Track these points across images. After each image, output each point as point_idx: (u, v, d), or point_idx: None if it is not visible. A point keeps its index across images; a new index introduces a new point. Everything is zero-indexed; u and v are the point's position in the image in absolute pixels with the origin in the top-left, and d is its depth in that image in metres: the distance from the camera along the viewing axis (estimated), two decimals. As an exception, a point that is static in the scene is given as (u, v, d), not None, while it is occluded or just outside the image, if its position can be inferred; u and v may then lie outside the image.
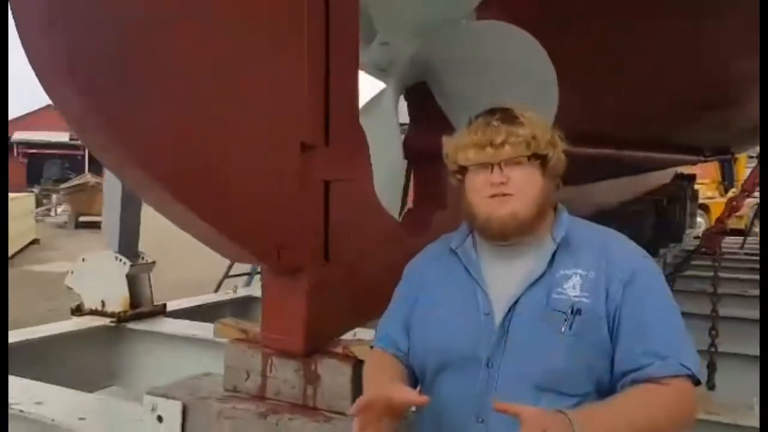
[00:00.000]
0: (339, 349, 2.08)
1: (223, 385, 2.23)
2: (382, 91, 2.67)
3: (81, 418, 2.54)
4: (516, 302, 1.48)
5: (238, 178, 1.73)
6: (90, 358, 4.05)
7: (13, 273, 11.92)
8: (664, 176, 9.40)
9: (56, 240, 16.62)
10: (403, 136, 2.83)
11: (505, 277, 1.52)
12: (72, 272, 4.37)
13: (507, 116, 1.51)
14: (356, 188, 2.20)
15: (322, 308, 2.07)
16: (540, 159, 1.50)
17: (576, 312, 1.43)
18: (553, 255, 1.50)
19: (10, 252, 13.43)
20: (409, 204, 3.01)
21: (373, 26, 2.50)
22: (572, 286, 1.46)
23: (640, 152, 6.05)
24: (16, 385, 2.90)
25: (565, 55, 2.58)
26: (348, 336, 2.22)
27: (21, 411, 2.62)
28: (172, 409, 2.17)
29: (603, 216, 6.03)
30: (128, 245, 4.17)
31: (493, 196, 1.49)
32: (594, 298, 1.44)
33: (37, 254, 14.39)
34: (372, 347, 1.70)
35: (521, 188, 1.48)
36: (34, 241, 15.86)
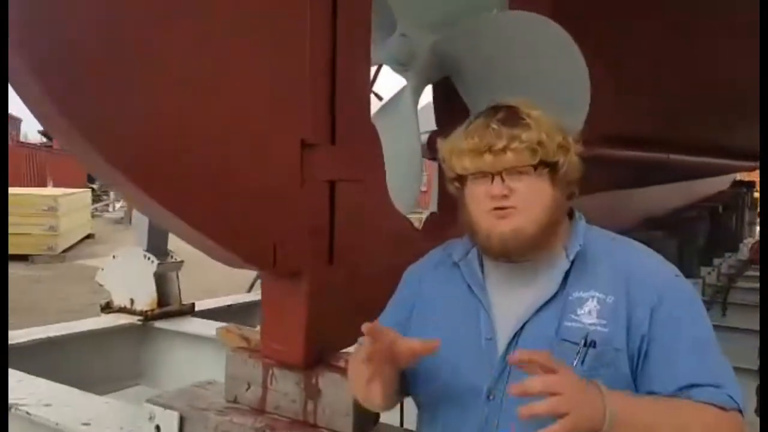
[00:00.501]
0: (342, 363, 1.94)
1: (224, 395, 2.12)
2: (403, 87, 2.52)
3: (85, 424, 2.47)
4: (522, 328, 1.29)
5: (220, 175, 1.60)
6: (117, 356, 4.03)
7: (63, 266, 12.24)
8: (720, 183, 8.95)
9: (111, 235, 17.00)
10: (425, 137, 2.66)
11: (512, 297, 1.34)
12: (102, 269, 4.36)
13: (510, 116, 1.30)
14: (366, 189, 2.05)
15: (324, 315, 1.93)
16: (549, 167, 1.29)
17: (590, 344, 1.23)
18: (567, 273, 1.31)
19: (66, 245, 13.77)
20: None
21: (393, 17, 2.35)
22: (587, 312, 1.26)
23: (693, 157, 5.72)
24: (29, 384, 2.87)
25: (605, 50, 2.38)
26: (353, 347, 2.07)
27: (28, 413, 2.58)
28: (169, 420, 2.07)
29: (653, 223, 5.73)
30: (157, 243, 4.12)
31: (494, 209, 1.29)
32: (613, 326, 1.24)
33: (90, 248, 14.73)
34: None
35: (526, 201, 1.28)
36: (89, 236, 16.24)
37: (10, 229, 12.01)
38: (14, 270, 11.08)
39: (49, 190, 16.21)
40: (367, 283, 2.04)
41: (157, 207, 1.49)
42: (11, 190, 13.17)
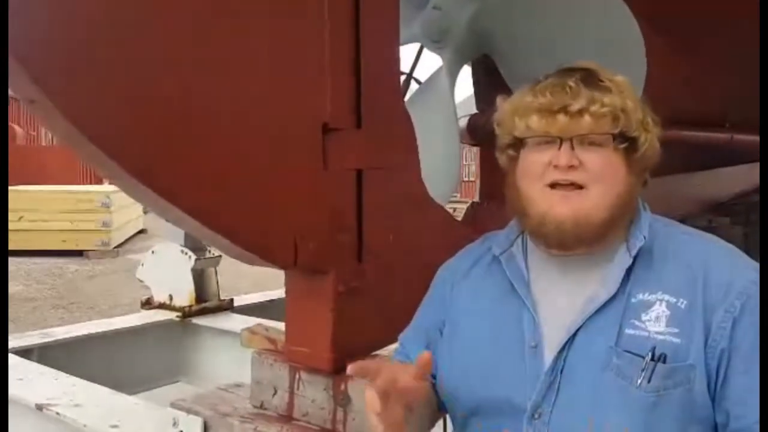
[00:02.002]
0: (373, 367, 1.78)
1: (250, 400, 1.99)
2: (439, 68, 2.33)
3: (113, 426, 2.38)
4: (575, 335, 1.09)
5: (231, 163, 1.45)
6: (155, 353, 3.99)
7: (116, 261, 12.44)
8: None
9: (162, 230, 17.23)
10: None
11: (562, 298, 1.13)
12: (143, 264, 4.31)
13: (589, 77, 1.10)
14: (397, 177, 1.88)
15: (352, 316, 1.77)
16: (627, 143, 1.09)
17: (659, 358, 1.02)
18: (629, 272, 1.10)
19: (119, 240, 14.03)
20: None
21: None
22: (654, 318, 1.05)
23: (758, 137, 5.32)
24: (63, 383, 2.82)
25: (665, 23, 2.15)
26: (386, 351, 1.91)
27: (57, 414, 2.51)
28: (192, 425, 1.96)
29: (715, 209, 5.36)
30: (194, 238, 4.03)
31: (555, 185, 1.08)
32: (686, 337, 1.03)
33: (143, 243, 14.93)
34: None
35: (598, 179, 1.07)
36: (142, 231, 16.50)
37: (67, 226, 12.29)
38: (69, 265, 11.31)
39: (102, 187, 16.53)
40: (400, 281, 1.88)
41: (160, 200, 1.35)
42: (66, 188, 13.44)
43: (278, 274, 1.87)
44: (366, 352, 1.82)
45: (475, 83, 2.65)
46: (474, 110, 2.72)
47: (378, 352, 1.85)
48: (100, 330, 3.81)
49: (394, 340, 1.99)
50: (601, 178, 1.07)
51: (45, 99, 1.17)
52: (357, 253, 1.78)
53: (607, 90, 1.08)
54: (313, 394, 1.84)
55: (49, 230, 12.22)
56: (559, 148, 1.07)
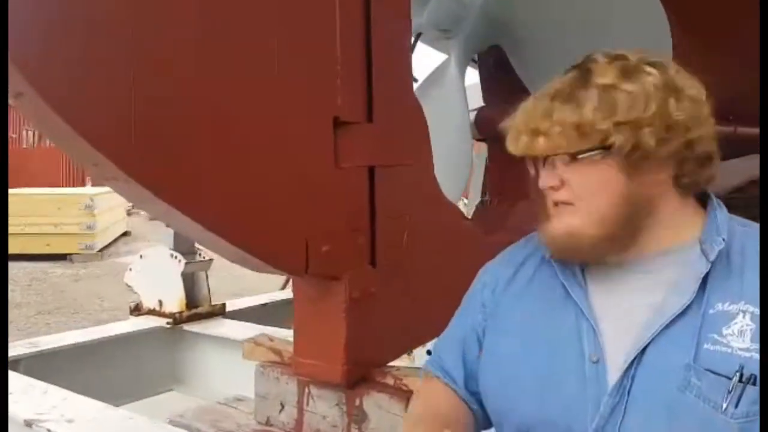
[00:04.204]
0: (389, 380, 1.66)
1: (254, 415, 1.86)
2: (447, 59, 2.20)
3: (105, 443, 2.24)
4: (644, 350, 0.96)
5: (236, 160, 1.32)
6: (146, 361, 3.85)
7: (101, 264, 12.23)
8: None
9: (146, 232, 17.02)
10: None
11: (623, 306, 1.01)
12: (131, 269, 4.16)
13: (574, 83, 1.01)
14: (411, 174, 1.75)
15: (367, 325, 1.64)
16: (603, 150, 0.98)
17: (748, 379, 0.89)
18: (704, 279, 0.97)
19: (103, 243, 13.83)
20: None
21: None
22: (737, 332, 0.93)
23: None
24: (53, 396, 2.67)
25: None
26: (401, 361, 1.78)
27: (48, 430, 2.36)
28: (192, 444, 1.82)
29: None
30: (184, 241, 3.88)
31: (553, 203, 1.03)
32: None
33: (127, 246, 14.73)
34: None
35: (581, 196, 1.00)
36: (126, 233, 16.28)
37: (50, 230, 12.08)
38: (54, 269, 11.12)
39: (85, 190, 16.30)
40: (415, 285, 1.75)
41: (157, 202, 1.21)
42: (49, 191, 13.20)
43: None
44: (381, 363, 1.70)
45: (483, 75, 2.53)
46: (475, 101, 2.60)
47: (394, 363, 1.73)
48: (88, 339, 3.67)
49: (410, 348, 1.88)
50: (585, 195, 1.00)
51: (33, 92, 1.04)
52: (371, 256, 1.65)
53: (580, 101, 0.98)
54: (325, 409, 1.71)
55: (33, 234, 12.01)
56: (543, 167, 1.03)
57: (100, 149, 1.09)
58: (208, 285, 4.02)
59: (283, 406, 1.79)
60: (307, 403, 1.74)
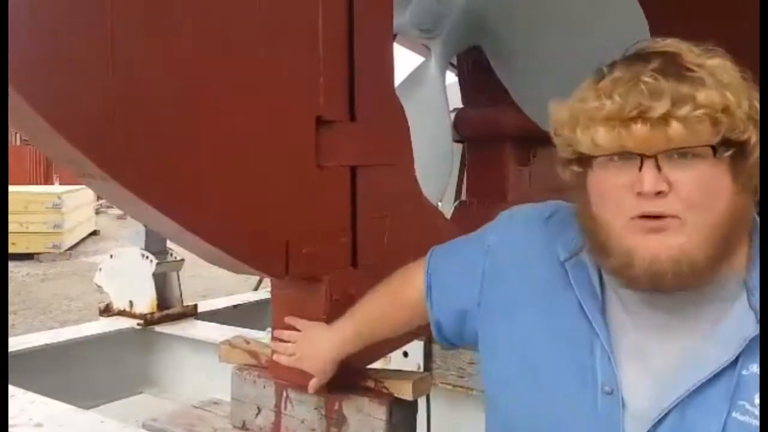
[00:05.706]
0: (370, 383, 1.63)
1: (230, 419, 1.82)
2: (427, 60, 2.19)
3: (77, 448, 2.18)
4: (674, 407, 0.83)
5: (214, 158, 1.28)
6: (117, 363, 3.80)
7: (69, 264, 12.02)
8: None
9: (115, 231, 16.76)
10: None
11: (649, 341, 0.88)
12: (100, 269, 4.08)
13: (671, 65, 0.82)
14: (393, 175, 1.73)
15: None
16: (734, 149, 0.81)
17: None
18: None
19: (71, 242, 13.61)
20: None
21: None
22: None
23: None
24: (20, 400, 2.60)
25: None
26: (381, 363, 1.76)
27: (15, 435, 2.30)
28: (166, 450, 1.78)
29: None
30: (156, 241, 3.82)
31: (644, 217, 0.82)
32: None
33: (96, 245, 14.49)
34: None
35: (695, 205, 0.80)
36: (94, 232, 16.02)
37: (16, 228, 11.84)
38: (21, 269, 10.90)
39: (53, 188, 16.01)
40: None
41: (136, 200, 1.17)
42: (16, 189, 12.96)
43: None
44: (362, 366, 1.67)
45: (461, 76, 2.52)
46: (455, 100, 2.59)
47: (374, 365, 1.70)
48: (56, 340, 3.60)
49: (390, 351, 1.86)
50: (700, 204, 0.81)
51: (12, 91, 0.99)
52: (352, 258, 1.63)
53: (700, 82, 0.80)
54: (303, 413, 1.68)
55: (-3, 233, 11.75)
56: (640, 169, 0.80)
57: (77, 146, 1.05)
58: (179, 285, 3.96)
59: (259, 410, 1.75)
60: (285, 407, 1.71)
